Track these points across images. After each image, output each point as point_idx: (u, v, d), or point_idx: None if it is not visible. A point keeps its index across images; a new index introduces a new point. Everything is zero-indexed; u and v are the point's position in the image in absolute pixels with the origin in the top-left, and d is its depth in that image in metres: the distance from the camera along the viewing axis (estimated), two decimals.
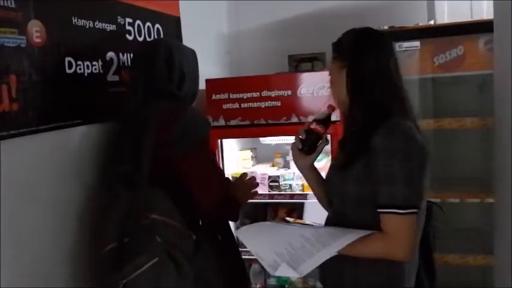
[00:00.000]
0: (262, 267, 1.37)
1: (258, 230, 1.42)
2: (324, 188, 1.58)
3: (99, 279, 1.58)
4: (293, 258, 1.25)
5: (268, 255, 1.28)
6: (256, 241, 1.34)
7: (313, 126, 1.52)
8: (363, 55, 1.38)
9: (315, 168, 1.63)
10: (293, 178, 2.64)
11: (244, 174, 1.80)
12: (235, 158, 2.87)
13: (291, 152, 1.62)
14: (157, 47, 1.72)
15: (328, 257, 1.25)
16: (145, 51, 1.75)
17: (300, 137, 1.53)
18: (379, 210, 1.28)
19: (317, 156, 1.58)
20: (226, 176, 1.93)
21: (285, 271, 1.24)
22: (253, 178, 1.82)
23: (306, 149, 1.54)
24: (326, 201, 1.58)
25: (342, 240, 1.25)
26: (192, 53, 1.80)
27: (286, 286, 2.74)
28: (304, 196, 2.58)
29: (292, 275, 1.24)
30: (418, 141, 1.31)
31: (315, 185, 1.63)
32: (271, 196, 2.64)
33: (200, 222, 1.63)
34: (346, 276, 1.41)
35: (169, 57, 1.68)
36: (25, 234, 1.43)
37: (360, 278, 1.39)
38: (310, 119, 1.67)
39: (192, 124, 1.58)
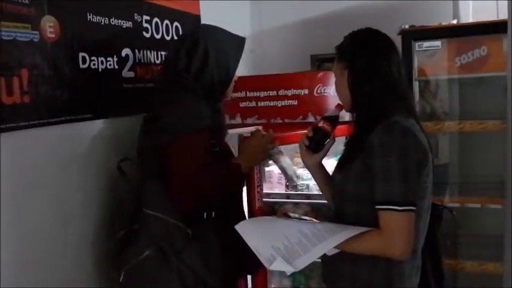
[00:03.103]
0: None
1: (257, 225, 1.44)
2: (330, 187, 1.57)
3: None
4: (289, 252, 1.26)
5: (265, 249, 1.28)
6: (254, 235, 1.35)
7: (320, 124, 1.53)
8: (361, 55, 1.40)
9: (323, 167, 1.63)
10: (311, 178, 2.61)
11: (258, 131, 1.73)
12: None
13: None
14: (188, 35, 1.73)
15: (323, 252, 1.26)
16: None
17: (308, 134, 1.54)
18: (376, 207, 1.27)
19: (324, 155, 1.58)
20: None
21: (280, 265, 1.24)
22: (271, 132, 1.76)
23: (313, 146, 1.55)
24: (332, 200, 1.57)
25: (338, 236, 1.26)
26: (232, 43, 1.73)
27: (301, 287, 2.71)
28: (321, 196, 2.55)
29: (287, 269, 1.24)
30: (418, 140, 1.30)
31: (323, 184, 1.64)
32: (287, 196, 2.63)
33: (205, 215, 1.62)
34: (345, 275, 1.41)
35: (192, 45, 1.64)
36: (31, 223, 1.48)
37: (359, 277, 1.38)
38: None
39: (186, 113, 1.54)
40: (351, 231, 1.26)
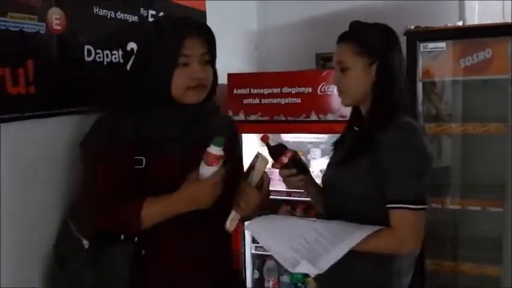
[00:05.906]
0: (277, 263, 1.33)
1: (268, 224, 1.36)
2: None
3: None
4: (310, 253, 1.22)
5: (285, 251, 1.24)
6: (269, 235, 1.30)
7: (284, 157, 1.47)
8: (394, 53, 1.38)
9: (313, 180, 1.59)
10: None
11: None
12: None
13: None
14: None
15: (345, 251, 1.22)
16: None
17: (284, 174, 1.49)
18: (389, 205, 1.28)
19: (308, 171, 1.55)
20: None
21: (304, 268, 1.21)
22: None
23: (301, 169, 1.52)
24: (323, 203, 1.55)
25: (356, 235, 1.24)
26: None
27: (299, 284, 2.72)
28: None
29: (313, 272, 1.22)
30: (426, 143, 1.33)
31: (316, 193, 1.59)
32: (288, 193, 2.64)
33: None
34: (346, 272, 1.36)
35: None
36: (31, 212, 1.48)
37: (362, 275, 1.38)
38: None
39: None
40: (366, 230, 1.25)
